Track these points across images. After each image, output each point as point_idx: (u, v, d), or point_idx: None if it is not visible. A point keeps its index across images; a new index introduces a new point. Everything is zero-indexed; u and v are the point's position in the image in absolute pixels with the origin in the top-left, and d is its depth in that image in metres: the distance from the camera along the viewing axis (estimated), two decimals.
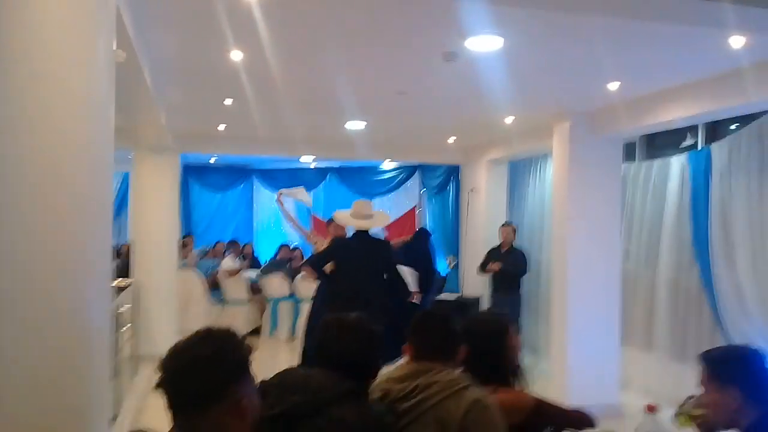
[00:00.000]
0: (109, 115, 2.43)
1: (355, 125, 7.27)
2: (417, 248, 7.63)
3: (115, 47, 2.49)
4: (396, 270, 5.77)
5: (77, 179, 2.21)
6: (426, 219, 10.61)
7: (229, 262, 9.44)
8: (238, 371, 1.67)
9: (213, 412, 1.63)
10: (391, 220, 10.98)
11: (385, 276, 5.57)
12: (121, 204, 11.48)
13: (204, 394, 1.63)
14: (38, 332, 2.11)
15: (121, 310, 5.91)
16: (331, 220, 7.15)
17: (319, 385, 1.97)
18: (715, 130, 5.84)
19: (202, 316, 9.24)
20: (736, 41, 3.75)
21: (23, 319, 2.09)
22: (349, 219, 5.78)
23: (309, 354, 6.31)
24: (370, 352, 2.19)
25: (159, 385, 1.65)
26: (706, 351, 2.30)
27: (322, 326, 2.24)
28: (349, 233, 6.40)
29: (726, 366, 2.18)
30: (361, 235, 5.66)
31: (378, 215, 6.01)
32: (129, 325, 6.71)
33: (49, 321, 2.13)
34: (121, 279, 7.09)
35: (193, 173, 12.23)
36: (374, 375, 2.24)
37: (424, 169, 10.61)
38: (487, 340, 2.48)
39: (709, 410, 2.16)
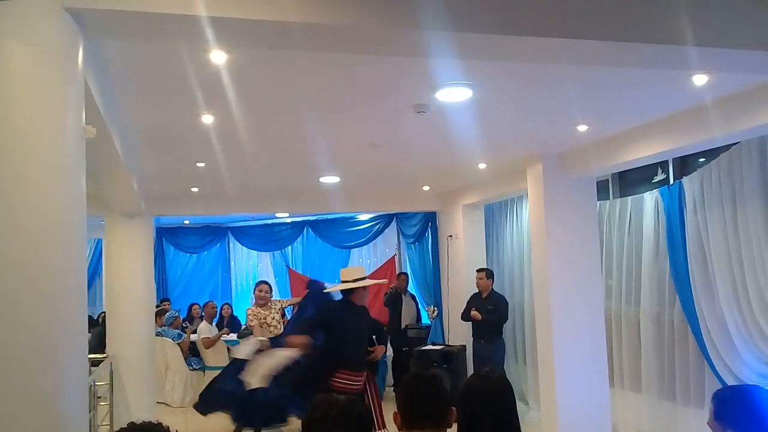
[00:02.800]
0: (80, 189, 2.38)
1: (329, 179, 7.27)
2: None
3: (84, 122, 2.44)
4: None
5: (49, 255, 2.16)
6: (406, 268, 10.55)
7: (204, 330, 9.17)
8: None
9: None
10: (370, 272, 10.98)
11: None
12: (94, 272, 11.27)
13: None
14: (10, 416, 2.02)
15: (98, 385, 5.71)
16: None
17: None
18: (685, 164, 5.95)
19: (181, 384, 8.98)
20: (699, 79, 3.84)
21: None
22: (342, 287, 5.42)
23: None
24: None
25: None
26: (717, 390, 2.37)
27: (311, 405, 2.16)
28: None
29: (726, 407, 2.21)
30: (348, 301, 5.33)
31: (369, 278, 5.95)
32: (105, 402, 6.49)
33: (22, 404, 2.04)
34: (96, 354, 6.91)
35: (167, 235, 12.09)
36: None
37: (401, 218, 10.62)
38: (488, 400, 2.35)
39: None
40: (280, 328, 6.71)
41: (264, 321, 6.70)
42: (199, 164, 6.05)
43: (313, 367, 5.26)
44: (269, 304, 6.88)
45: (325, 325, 5.31)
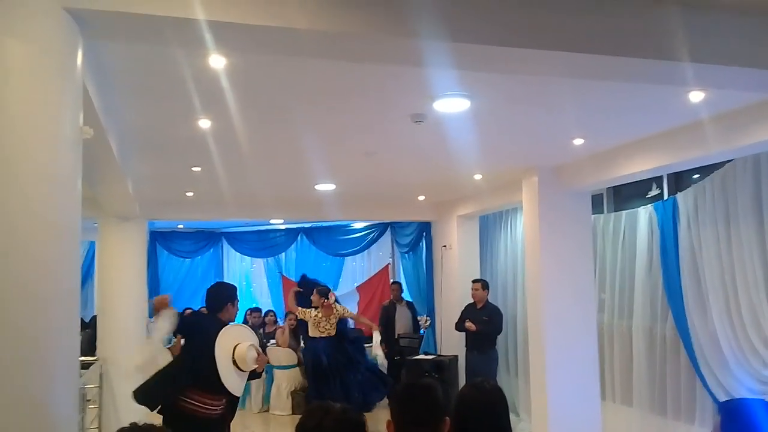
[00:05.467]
0: (76, 190, 2.38)
1: (325, 187, 7.26)
2: None
3: (82, 123, 2.44)
4: None
5: (43, 256, 2.14)
6: (400, 277, 10.54)
7: None
8: None
9: None
10: (363, 281, 10.99)
11: None
12: (86, 274, 11.20)
13: None
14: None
15: (87, 387, 5.66)
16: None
17: None
18: (679, 180, 5.97)
19: None
20: (695, 96, 3.86)
21: None
22: None
23: None
24: None
25: None
26: (724, 402, 2.43)
27: (305, 412, 2.15)
28: None
29: (733, 419, 2.26)
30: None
31: None
32: (95, 405, 6.45)
33: (12, 406, 2.01)
34: (86, 356, 6.86)
35: (161, 239, 12.04)
36: None
37: (395, 227, 10.61)
38: (482, 410, 2.36)
39: None
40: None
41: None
42: (194, 169, 6.04)
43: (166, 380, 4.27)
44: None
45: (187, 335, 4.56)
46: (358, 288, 10.88)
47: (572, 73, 3.20)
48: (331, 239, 11.52)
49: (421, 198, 8.59)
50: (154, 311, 4.40)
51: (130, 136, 4.77)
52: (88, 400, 6.17)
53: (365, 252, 11.39)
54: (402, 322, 9.04)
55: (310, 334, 8.19)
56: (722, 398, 5.08)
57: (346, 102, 4.06)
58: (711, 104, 4.02)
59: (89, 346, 7.99)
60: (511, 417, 7.87)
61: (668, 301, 5.76)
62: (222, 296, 4.51)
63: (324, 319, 8.11)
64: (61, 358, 2.20)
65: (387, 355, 8.93)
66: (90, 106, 3.19)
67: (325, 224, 11.33)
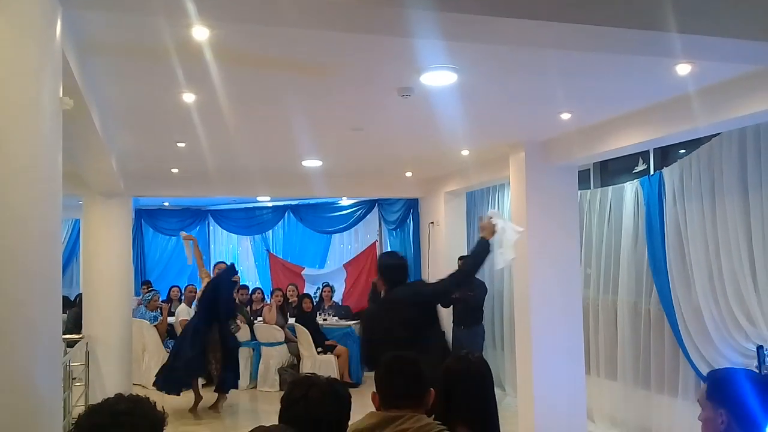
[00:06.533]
0: (56, 162, 2.33)
1: (312, 163, 7.22)
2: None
3: (61, 94, 2.39)
4: None
5: (22, 230, 2.10)
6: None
7: (183, 312, 9.08)
8: (153, 429, 1.70)
9: None
10: (350, 258, 10.99)
11: None
12: (71, 252, 11.14)
13: None
14: None
15: (73, 365, 5.65)
16: None
17: None
18: (666, 155, 5.99)
19: (156, 367, 8.90)
20: (683, 68, 3.85)
21: None
22: None
23: None
24: (337, 413, 2.08)
25: None
26: (712, 370, 2.49)
27: (293, 384, 2.15)
28: None
29: (719, 387, 2.26)
30: None
31: None
32: (81, 383, 6.43)
33: None
34: (72, 334, 6.84)
35: (147, 217, 11.98)
36: None
37: (383, 204, 10.60)
38: (467, 381, 2.38)
39: (702, 427, 2.23)
40: None
41: None
42: (179, 144, 5.97)
43: None
44: None
45: None
46: (346, 265, 10.89)
47: (560, 44, 3.17)
48: (318, 216, 11.50)
49: (409, 174, 8.58)
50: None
51: (113, 109, 4.70)
52: (74, 378, 6.15)
53: (352, 229, 11.38)
54: None
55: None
56: (705, 372, 5.15)
57: (332, 76, 4.00)
58: (698, 77, 4.01)
59: (75, 324, 7.96)
60: (498, 391, 7.94)
61: (653, 275, 5.81)
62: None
63: None
64: (42, 333, 2.17)
65: None
66: (71, 78, 3.13)
67: (312, 201, 11.30)
